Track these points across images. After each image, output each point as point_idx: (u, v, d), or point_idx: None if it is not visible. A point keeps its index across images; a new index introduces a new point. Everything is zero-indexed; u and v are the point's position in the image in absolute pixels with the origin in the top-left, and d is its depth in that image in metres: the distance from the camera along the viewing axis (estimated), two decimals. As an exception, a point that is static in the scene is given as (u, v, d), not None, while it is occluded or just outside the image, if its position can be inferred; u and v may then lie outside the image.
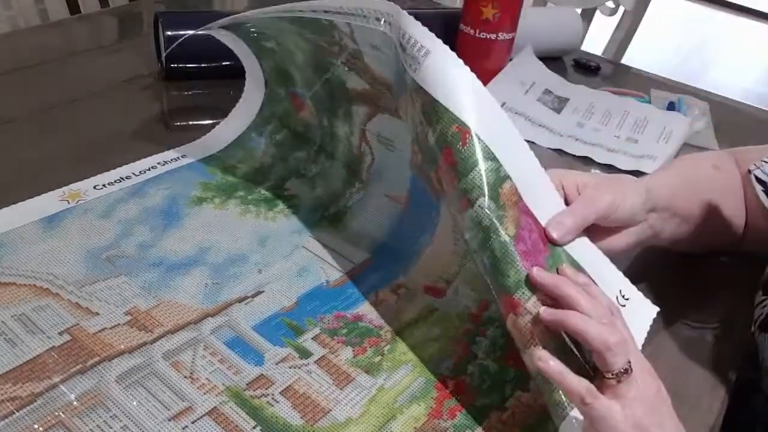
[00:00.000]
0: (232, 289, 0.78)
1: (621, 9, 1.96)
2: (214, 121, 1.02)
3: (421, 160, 0.74)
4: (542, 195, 0.68)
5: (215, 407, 0.65)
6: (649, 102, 1.29)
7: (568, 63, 1.44)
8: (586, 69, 1.42)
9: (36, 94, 1.08)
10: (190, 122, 1.08)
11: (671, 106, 1.27)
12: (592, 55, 1.52)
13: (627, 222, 0.76)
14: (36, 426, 0.61)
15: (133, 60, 1.22)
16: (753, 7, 5.23)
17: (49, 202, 0.85)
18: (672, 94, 1.33)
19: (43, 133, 0.99)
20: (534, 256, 0.64)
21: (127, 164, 0.93)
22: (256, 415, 0.65)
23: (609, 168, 1.10)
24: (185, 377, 0.68)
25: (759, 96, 4.05)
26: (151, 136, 1.00)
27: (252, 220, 0.88)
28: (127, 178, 0.91)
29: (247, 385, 0.68)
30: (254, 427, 0.64)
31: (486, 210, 0.64)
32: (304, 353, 0.72)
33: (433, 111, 0.66)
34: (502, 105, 1.19)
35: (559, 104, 1.24)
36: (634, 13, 1.97)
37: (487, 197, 0.64)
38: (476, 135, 0.64)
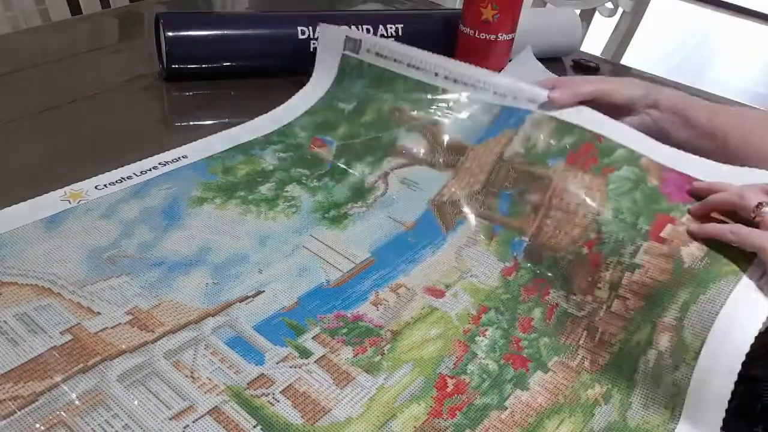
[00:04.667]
0: (233, 289, 0.79)
1: (620, 10, 1.96)
2: (215, 121, 1.02)
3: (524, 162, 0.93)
4: (683, 159, 0.85)
5: (216, 406, 0.66)
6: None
7: (568, 63, 1.44)
8: (585, 69, 1.42)
9: (37, 95, 1.08)
10: (191, 123, 1.08)
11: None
12: (592, 55, 1.52)
13: (627, 106, 0.93)
14: (38, 425, 0.61)
15: (133, 61, 1.23)
16: (752, 7, 5.23)
17: (50, 202, 0.85)
18: (671, 94, 1.33)
19: (44, 133, 0.99)
20: (680, 195, 0.81)
21: (128, 164, 0.93)
22: (257, 414, 0.66)
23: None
24: (186, 377, 0.68)
25: (758, 96, 4.05)
26: (152, 136, 1.01)
27: (253, 220, 0.89)
28: (128, 178, 0.91)
29: (247, 384, 0.68)
30: (255, 426, 0.64)
31: (632, 169, 0.85)
32: (305, 353, 0.73)
33: (568, 128, 0.91)
34: None
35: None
36: (633, 14, 1.97)
37: (628, 165, 0.85)
38: (608, 136, 0.88)
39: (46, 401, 0.63)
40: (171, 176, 0.93)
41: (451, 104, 1.01)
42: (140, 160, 0.94)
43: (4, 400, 0.62)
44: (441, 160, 0.99)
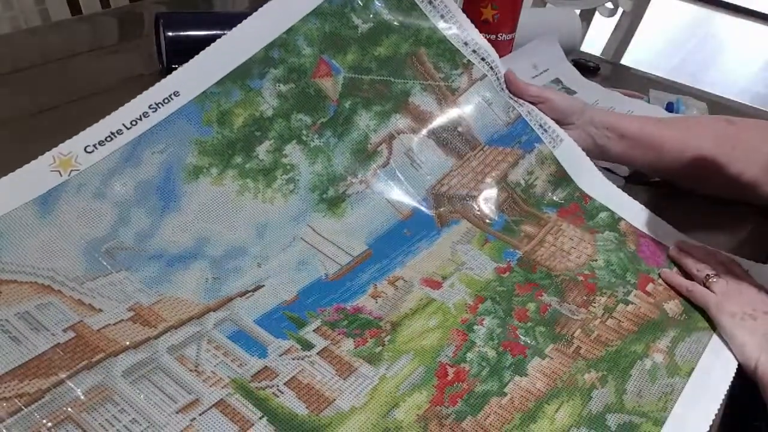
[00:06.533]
0: (233, 284, 0.79)
1: (620, 10, 1.97)
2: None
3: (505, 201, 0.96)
4: (652, 224, 0.96)
5: (222, 399, 0.66)
6: (648, 102, 1.29)
7: (567, 63, 1.44)
8: (585, 69, 1.42)
9: (37, 95, 1.08)
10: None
11: (670, 107, 1.27)
12: (592, 55, 1.53)
13: (563, 117, 1.01)
14: (44, 421, 0.61)
15: (133, 61, 1.23)
16: (752, 7, 5.23)
17: (39, 174, 0.79)
18: (671, 94, 1.33)
19: (44, 133, 0.98)
20: (654, 260, 0.92)
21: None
22: (262, 406, 0.66)
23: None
24: (191, 371, 0.69)
25: (758, 96, 4.05)
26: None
27: (249, 202, 0.85)
28: (118, 132, 0.83)
29: (252, 377, 0.69)
30: (261, 418, 0.65)
31: (612, 234, 0.94)
32: (307, 345, 0.73)
33: (562, 179, 0.99)
34: None
35: (564, 95, 1.24)
36: (633, 14, 1.97)
37: (610, 231, 0.95)
38: (594, 197, 0.98)
39: (52, 398, 0.63)
40: (163, 131, 0.85)
41: (473, 80, 1.01)
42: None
43: (10, 397, 0.62)
44: (449, 141, 0.97)
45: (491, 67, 1.01)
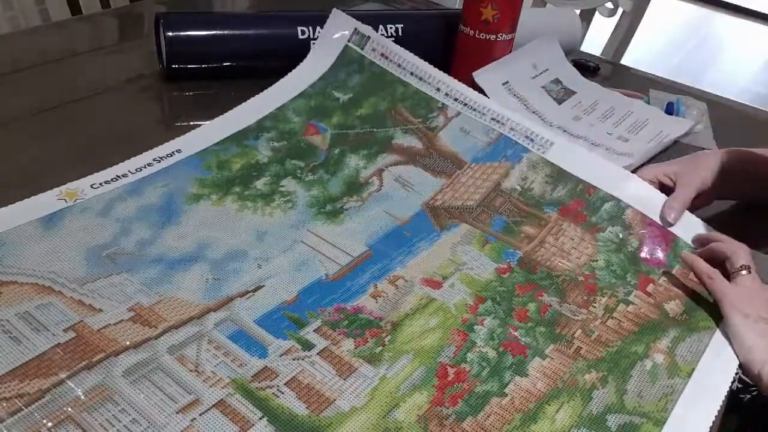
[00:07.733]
0: (233, 285, 0.79)
1: (620, 10, 1.97)
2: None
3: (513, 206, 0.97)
4: (661, 205, 0.94)
5: (222, 399, 0.66)
6: (648, 102, 1.29)
7: (567, 63, 1.44)
8: (585, 69, 1.42)
9: (36, 95, 1.08)
10: (191, 123, 1.08)
11: (670, 107, 1.27)
12: (592, 55, 1.52)
13: (709, 187, 0.97)
14: (45, 421, 0.61)
15: (133, 61, 1.23)
16: (752, 7, 5.23)
17: (46, 202, 0.83)
18: (671, 94, 1.33)
19: (44, 133, 0.99)
20: (653, 261, 0.90)
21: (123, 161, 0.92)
22: (262, 406, 0.66)
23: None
24: (191, 371, 0.69)
25: (758, 96, 4.05)
26: (152, 136, 1.00)
27: (250, 216, 0.88)
28: (123, 176, 0.89)
29: (252, 377, 0.69)
30: (261, 418, 0.65)
31: (614, 230, 0.93)
32: (307, 345, 0.73)
33: (561, 176, 0.98)
34: (504, 83, 1.19)
35: (563, 95, 1.24)
36: (633, 14, 1.97)
37: (612, 226, 0.93)
38: (599, 187, 0.96)
39: (53, 398, 0.63)
40: (166, 173, 0.92)
41: (449, 117, 1.05)
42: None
43: (11, 397, 0.62)
44: (436, 166, 1.00)
45: (465, 104, 1.06)
